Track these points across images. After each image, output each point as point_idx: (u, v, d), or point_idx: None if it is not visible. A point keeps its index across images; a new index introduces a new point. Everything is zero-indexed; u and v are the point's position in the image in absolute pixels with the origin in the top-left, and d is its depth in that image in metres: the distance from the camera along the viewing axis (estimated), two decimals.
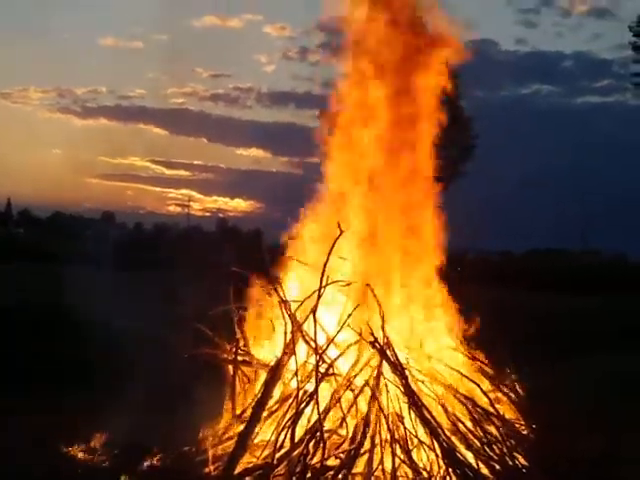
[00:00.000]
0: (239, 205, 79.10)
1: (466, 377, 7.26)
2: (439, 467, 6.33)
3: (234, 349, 7.41)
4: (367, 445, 6.44)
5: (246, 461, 6.52)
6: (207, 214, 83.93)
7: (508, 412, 7.47)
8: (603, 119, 73.25)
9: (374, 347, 6.81)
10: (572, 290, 29.36)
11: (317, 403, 6.48)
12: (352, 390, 6.81)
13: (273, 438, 6.55)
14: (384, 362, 6.80)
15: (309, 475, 6.21)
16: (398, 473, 6.27)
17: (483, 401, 7.15)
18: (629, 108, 59.19)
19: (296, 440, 6.43)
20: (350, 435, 6.55)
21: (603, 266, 38.29)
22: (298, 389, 6.67)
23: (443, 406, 6.86)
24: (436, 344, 7.50)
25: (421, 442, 6.51)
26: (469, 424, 6.82)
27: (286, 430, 6.49)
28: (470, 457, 6.50)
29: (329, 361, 6.86)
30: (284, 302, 7.13)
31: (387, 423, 6.55)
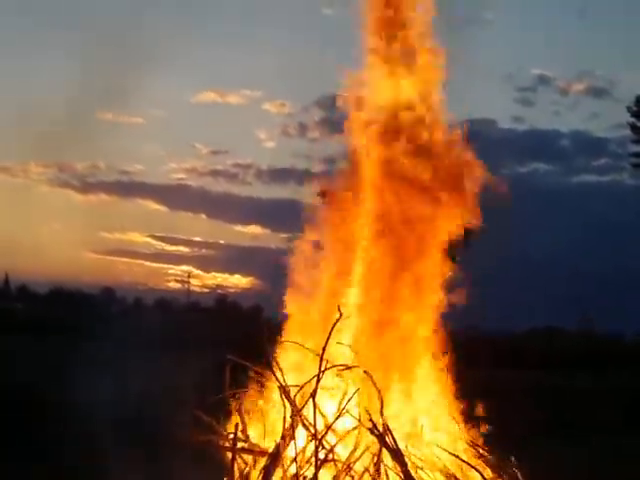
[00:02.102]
0: (239, 281, 79.18)
1: (467, 464, 7.20)
2: None
3: (233, 435, 7.35)
4: None
5: None
6: (206, 290, 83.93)
7: None
8: (600, 199, 73.83)
9: (373, 433, 6.78)
10: (570, 369, 29.28)
11: None
12: (352, 476, 6.75)
13: None
14: (383, 448, 6.76)
15: None
16: None
17: None
18: (626, 188, 59.67)
19: None
20: None
21: (600, 345, 38.18)
22: (297, 475, 6.62)
23: None
24: (436, 430, 7.44)
25: None
26: None
27: None
28: None
29: (329, 447, 6.82)
30: (283, 387, 7.12)
31: None
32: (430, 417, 7.44)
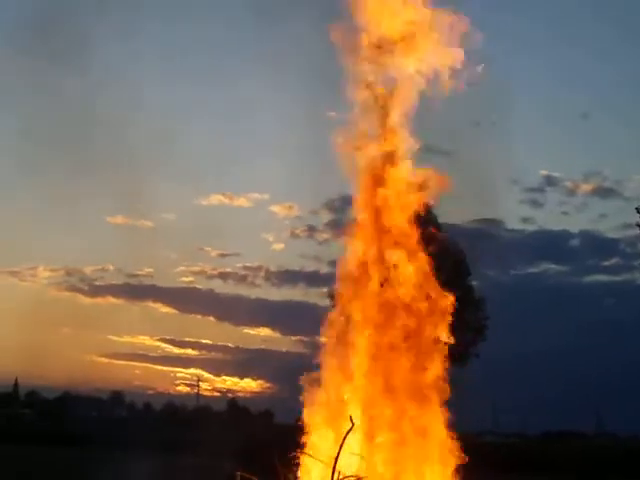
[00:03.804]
0: (248, 385, 78.43)
1: None
2: None
3: None
4: None
5: None
6: (216, 394, 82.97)
7: None
8: (612, 298, 73.62)
9: None
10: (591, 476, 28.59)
11: None
12: None
13: None
14: None
15: None
16: None
17: None
18: (638, 287, 59.53)
19: None
20: None
21: (619, 450, 37.13)
22: None
23: None
24: None
25: None
26: None
27: None
28: None
29: None
30: None
31: None
32: None
